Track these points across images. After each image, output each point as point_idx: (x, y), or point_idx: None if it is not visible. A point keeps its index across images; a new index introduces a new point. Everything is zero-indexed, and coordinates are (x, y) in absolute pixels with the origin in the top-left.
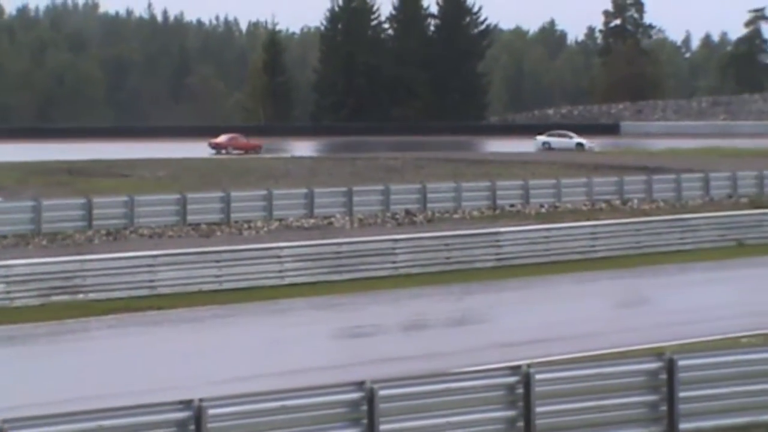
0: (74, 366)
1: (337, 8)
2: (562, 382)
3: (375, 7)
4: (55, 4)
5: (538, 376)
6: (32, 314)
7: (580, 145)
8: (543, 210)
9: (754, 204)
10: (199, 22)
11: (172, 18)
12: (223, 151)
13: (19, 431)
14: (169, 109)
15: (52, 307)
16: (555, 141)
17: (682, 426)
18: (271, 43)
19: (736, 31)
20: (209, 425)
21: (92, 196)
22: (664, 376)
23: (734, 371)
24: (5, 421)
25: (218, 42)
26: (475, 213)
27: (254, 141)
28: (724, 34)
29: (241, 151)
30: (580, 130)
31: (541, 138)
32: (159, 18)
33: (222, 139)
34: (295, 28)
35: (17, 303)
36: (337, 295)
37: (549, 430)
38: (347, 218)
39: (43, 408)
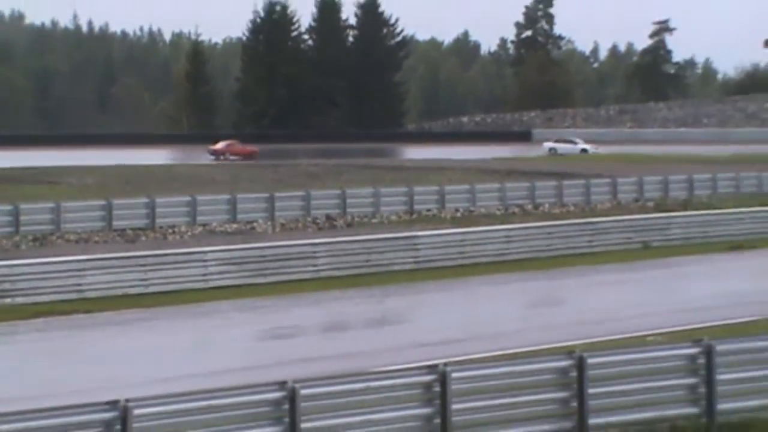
0: (1, 368)
1: (258, 20)
2: (477, 380)
3: (295, 19)
4: None
5: (454, 375)
6: None
7: (584, 150)
8: (458, 214)
9: (659, 208)
10: (124, 33)
11: (97, 29)
12: (221, 158)
13: None
14: (95, 118)
15: None
16: (561, 147)
17: (592, 421)
18: (194, 54)
19: (642, 42)
20: (135, 425)
21: (19, 203)
22: (574, 373)
23: (641, 368)
24: None
25: (142, 52)
26: (393, 217)
27: (250, 147)
28: (630, 45)
29: (239, 157)
30: (493, 138)
31: (548, 144)
32: (84, 29)
33: (220, 145)
34: (218, 38)
35: None
36: (261, 298)
37: (464, 426)
38: (269, 223)
39: None
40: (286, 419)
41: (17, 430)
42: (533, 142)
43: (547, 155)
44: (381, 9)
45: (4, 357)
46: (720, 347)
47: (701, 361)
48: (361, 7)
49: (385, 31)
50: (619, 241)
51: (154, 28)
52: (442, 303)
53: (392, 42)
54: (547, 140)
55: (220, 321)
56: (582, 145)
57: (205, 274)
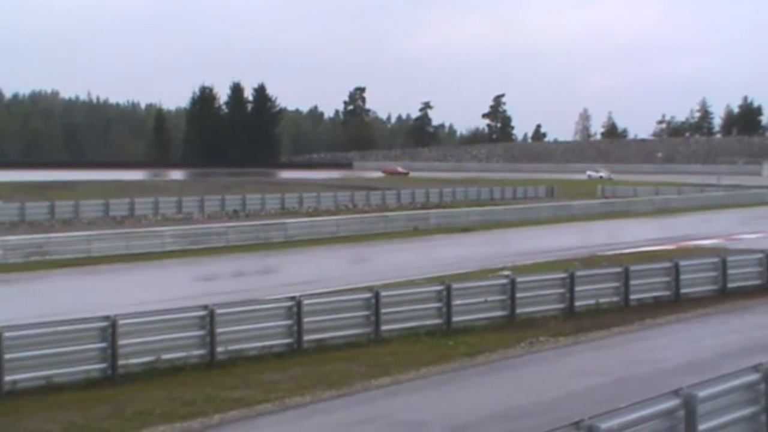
0: (40, 294)
1: (196, 96)
2: (322, 305)
3: (218, 96)
4: None
5: (305, 301)
6: None
7: (601, 176)
8: (310, 209)
9: (424, 206)
10: (117, 102)
11: (101, 99)
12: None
13: None
14: (99, 152)
15: None
16: (591, 173)
17: (384, 327)
18: (159, 116)
19: (415, 113)
20: (120, 331)
21: (54, 200)
22: (374, 301)
23: (414, 298)
24: None
25: (128, 114)
26: (273, 211)
27: (400, 169)
28: (408, 115)
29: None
30: (331, 167)
31: (588, 172)
32: (94, 100)
33: (387, 168)
34: (172, 106)
35: None
36: (195, 258)
37: (312, 330)
38: (201, 213)
39: None
40: (209, 327)
41: (35, 335)
42: (354, 170)
43: (586, 178)
44: (267, 91)
45: (43, 290)
46: (455, 285)
47: (444, 293)
48: (255, 90)
49: (269, 104)
50: (401, 227)
51: (135, 100)
52: (300, 262)
53: (273, 110)
54: (589, 169)
55: (170, 271)
56: (601, 173)
57: (162, 243)
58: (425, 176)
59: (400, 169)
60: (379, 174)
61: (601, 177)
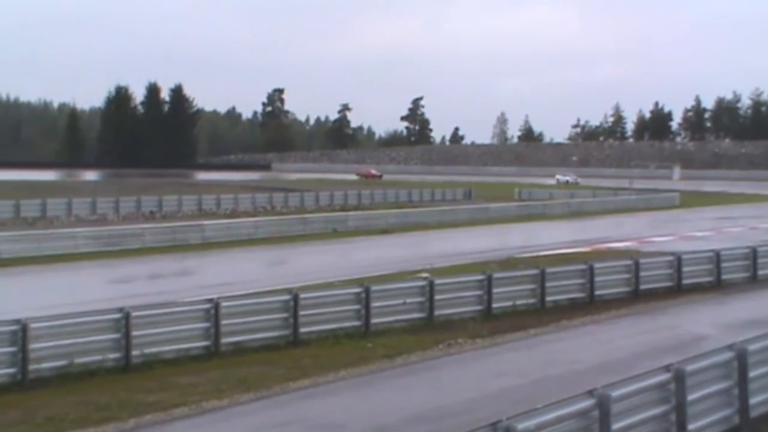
0: None
1: (112, 95)
2: (240, 307)
3: (133, 96)
4: None
5: (223, 303)
6: None
7: (568, 180)
8: (228, 210)
9: (343, 209)
10: (29, 102)
11: (12, 98)
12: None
13: None
14: (11, 152)
15: None
16: (560, 177)
17: (303, 329)
18: (72, 116)
19: (333, 115)
20: (31, 335)
21: None
22: (292, 303)
23: (332, 300)
24: None
25: (41, 114)
26: (190, 212)
27: (374, 172)
28: (327, 117)
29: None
30: (249, 168)
31: (557, 176)
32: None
33: (362, 170)
34: (86, 106)
35: None
36: (110, 260)
37: (230, 333)
38: (116, 214)
39: None
40: (124, 330)
41: None
42: (272, 171)
43: (556, 182)
44: (184, 91)
45: None
46: (374, 287)
47: (363, 296)
48: (172, 90)
49: (186, 104)
50: (320, 228)
51: (47, 99)
52: (218, 264)
53: (190, 111)
54: (558, 174)
55: (84, 273)
56: (569, 177)
57: (76, 245)
58: (339, 178)
59: (374, 172)
60: (353, 176)
61: (567, 182)
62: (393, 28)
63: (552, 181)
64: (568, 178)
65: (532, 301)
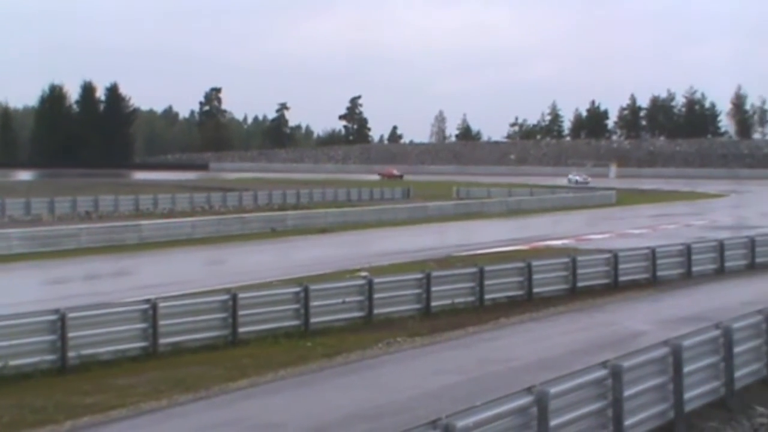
0: None
1: (46, 94)
2: (178, 307)
3: (68, 94)
4: None
5: (161, 304)
6: None
7: (577, 181)
8: (165, 210)
9: (281, 208)
10: None
11: None
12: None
13: None
14: None
15: None
16: (572, 177)
17: (241, 329)
18: (4, 115)
19: (271, 114)
20: None
21: None
22: (231, 303)
23: (271, 300)
24: None
25: None
26: (127, 212)
27: (396, 171)
28: (264, 116)
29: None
30: (187, 168)
31: (570, 176)
32: None
33: (382, 170)
34: (20, 105)
35: None
36: (45, 261)
37: (168, 333)
38: (51, 215)
39: None
40: (60, 332)
41: None
42: (210, 171)
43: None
44: (120, 90)
45: None
46: (313, 287)
47: (302, 295)
48: (108, 89)
49: (122, 103)
50: (258, 228)
51: None
52: (155, 264)
53: (126, 110)
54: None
55: (18, 274)
56: (578, 177)
57: (9, 246)
58: (278, 177)
59: (395, 172)
60: (375, 176)
61: (577, 181)
62: (331, 28)
63: (564, 181)
64: (578, 177)
65: (470, 299)
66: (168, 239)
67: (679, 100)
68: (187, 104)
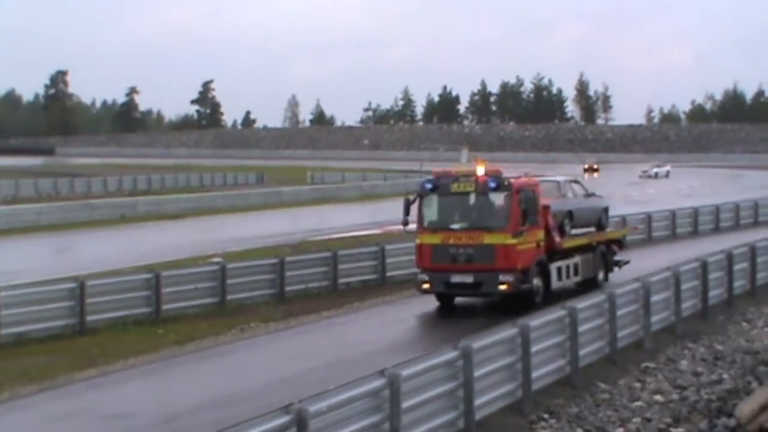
0: None
1: None
2: (21, 296)
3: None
4: None
5: (3, 293)
6: None
7: (656, 173)
8: (8, 197)
9: (131, 194)
10: None
11: None
12: None
13: None
14: None
15: None
16: (647, 169)
17: (90, 318)
18: None
19: (120, 97)
20: None
21: None
22: (78, 291)
23: (121, 287)
24: None
25: None
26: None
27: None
28: (114, 100)
29: None
30: (32, 153)
31: (653, 169)
32: None
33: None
34: None
35: None
36: None
37: (11, 324)
38: None
39: None
40: None
41: None
42: (56, 156)
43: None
44: None
45: None
46: (165, 273)
47: (153, 282)
48: None
49: None
50: (107, 215)
51: None
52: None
53: None
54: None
55: None
56: (657, 169)
57: None
58: (133, 162)
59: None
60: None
61: (654, 174)
62: (182, 11)
63: (637, 174)
64: (656, 170)
65: (324, 283)
66: (11, 226)
67: (528, 86)
68: (31, 87)
